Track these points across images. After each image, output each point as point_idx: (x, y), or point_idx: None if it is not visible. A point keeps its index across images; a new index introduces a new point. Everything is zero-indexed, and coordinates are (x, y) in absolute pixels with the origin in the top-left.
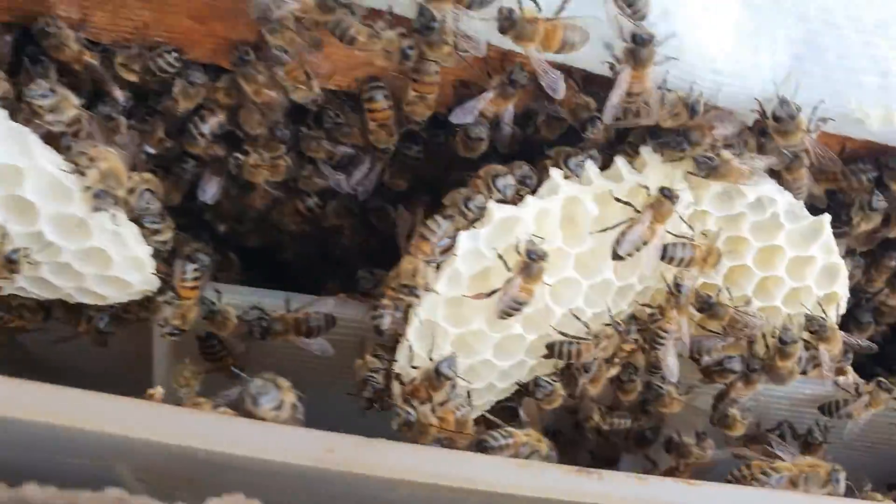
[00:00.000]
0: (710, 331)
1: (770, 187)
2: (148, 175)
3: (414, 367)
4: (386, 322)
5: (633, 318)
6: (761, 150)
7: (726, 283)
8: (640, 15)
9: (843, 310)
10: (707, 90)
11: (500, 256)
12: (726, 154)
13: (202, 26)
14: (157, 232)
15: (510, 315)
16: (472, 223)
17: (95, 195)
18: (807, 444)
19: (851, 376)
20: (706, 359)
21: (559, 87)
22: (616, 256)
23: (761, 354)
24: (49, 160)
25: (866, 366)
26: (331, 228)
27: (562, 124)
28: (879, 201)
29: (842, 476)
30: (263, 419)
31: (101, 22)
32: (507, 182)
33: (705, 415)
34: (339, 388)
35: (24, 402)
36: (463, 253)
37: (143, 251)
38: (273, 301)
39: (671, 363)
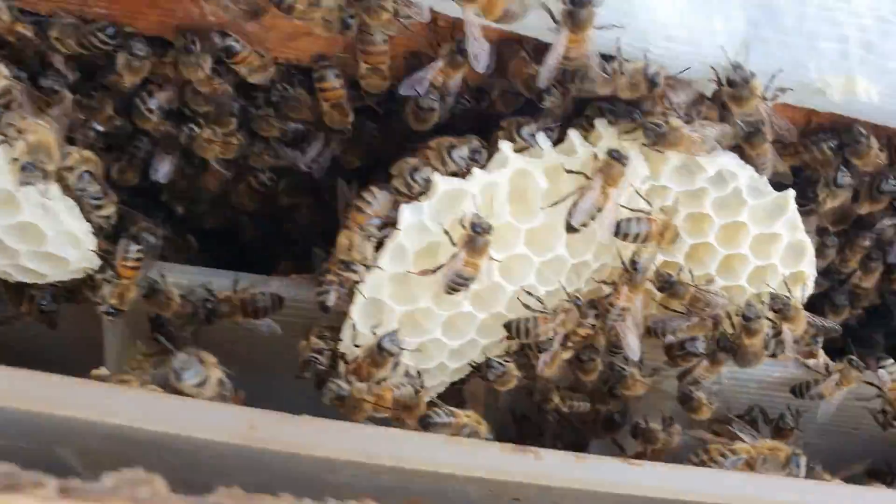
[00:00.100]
0: (674, 311)
1: (730, 160)
2: (88, 153)
3: (357, 346)
4: (331, 299)
5: (591, 303)
6: (723, 121)
7: (689, 262)
8: None
9: (810, 289)
10: (660, 58)
11: (447, 231)
12: (675, 121)
13: None
14: (98, 207)
15: (456, 290)
16: (417, 196)
17: (23, 168)
18: (778, 429)
19: (822, 358)
20: (669, 338)
21: (482, 59)
22: (570, 228)
23: (728, 334)
24: None
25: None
26: (287, 208)
27: (517, 98)
28: (844, 177)
29: (802, 460)
30: (189, 395)
31: None
32: (463, 153)
33: (673, 399)
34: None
35: None
36: (406, 227)
37: (79, 227)
38: (221, 281)
39: (632, 341)
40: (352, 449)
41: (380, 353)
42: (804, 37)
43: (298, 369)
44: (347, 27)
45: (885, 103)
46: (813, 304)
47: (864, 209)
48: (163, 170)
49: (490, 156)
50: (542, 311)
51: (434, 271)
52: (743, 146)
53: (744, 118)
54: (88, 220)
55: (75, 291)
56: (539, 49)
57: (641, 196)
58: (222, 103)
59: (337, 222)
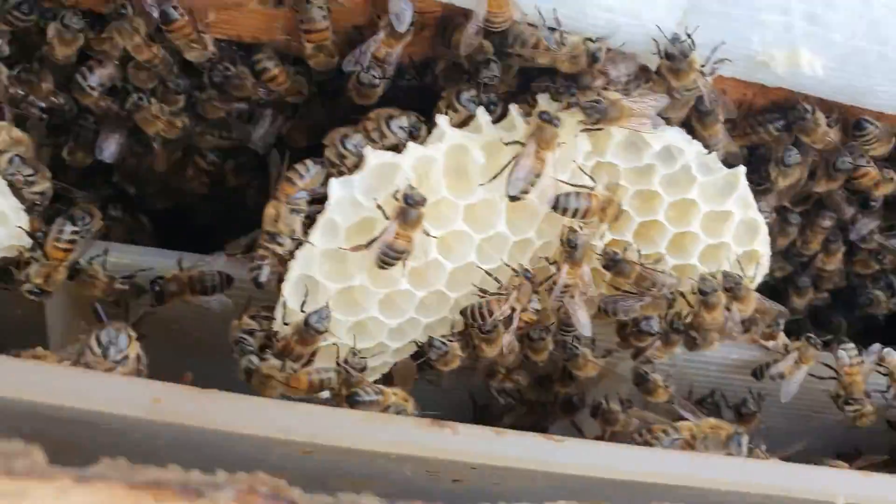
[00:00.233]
0: (626, 291)
1: (676, 136)
2: (18, 133)
3: (287, 324)
4: (263, 275)
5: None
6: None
7: (638, 240)
8: None
9: (764, 268)
10: (600, 30)
11: (380, 207)
12: (612, 94)
13: None
14: (30, 184)
15: (388, 264)
16: (350, 169)
17: None
18: (740, 414)
19: (781, 340)
20: (621, 317)
21: (405, 18)
22: (512, 198)
23: (683, 315)
24: None
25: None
26: (236, 189)
27: (461, 74)
28: (792, 156)
29: (744, 439)
30: (108, 369)
31: None
32: (402, 124)
33: (629, 383)
34: None
35: None
36: (336, 201)
37: (8, 204)
38: (164, 261)
39: (582, 317)
40: (259, 424)
41: (307, 331)
42: (747, 8)
43: (230, 349)
44: (280, 1)
45: (830, 77)
46: (776, 288)
47: (821, 187)
48: (108, 149)
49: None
50: (494, 293)
51: (366, 246)
52: (695, 125)
53: (682, 90)
54: (21, 197)
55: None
56: None
57: (585, 172)
58: (168, 80)
59: None
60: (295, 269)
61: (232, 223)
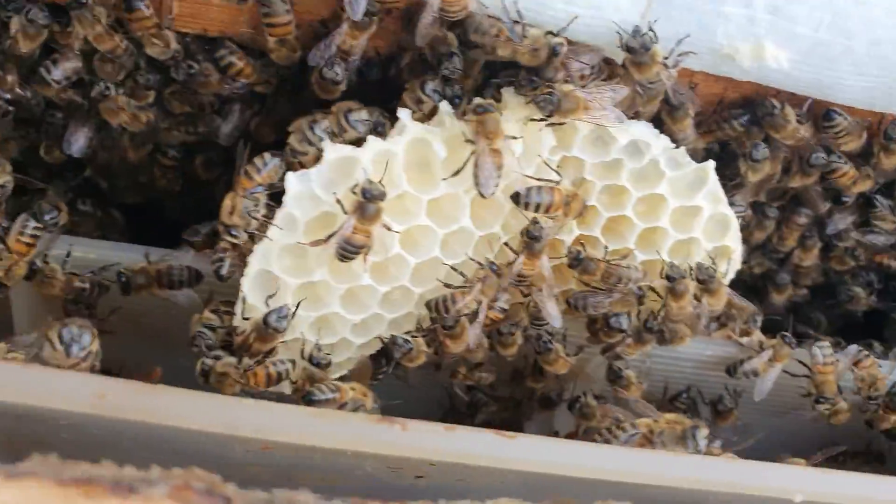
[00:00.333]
0: (596, 287)
1: (643, 130)
2: None
3: (247, 319)
4: (225, 268)
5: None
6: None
7: (607, 235)
8: None
9: (736, 264)
10: (562, 22)
11: (339, 201)
12: (566, 86)
13: None
14: None
15: (346, 258)
16: (313, 159)
17: None
18: (717, 411)
19: (756, 336)
20: (591, 313)
21: (358, 7)
22: (484, 195)
23: (658, 311)
24: None
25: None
26: (206, 183)
27: (425, 68)
28: (760, 151)
29: (700, 433)
30: (72, 365)
31: None
32: (361, 117)
33: (601, 380)
34: None
35: None
36: (294, 195)
37: None
38: (131, 255)
39: (551, 309)
40: (204, 419)
41: (266, 330)
42: (710, 0)
43: (189, 343)
44: None
45: (796, 70)
46: (755, 284)
47: (795, 183)
48: (77, 144)
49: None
50: (459, 286)
51: (325, 241)
52: (665, 119)
53: (645, 83)
54: None
55: None
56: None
57: (550, 166)
58: (138, 75)
59: None
60: (254, 264)
61: (203, 218)
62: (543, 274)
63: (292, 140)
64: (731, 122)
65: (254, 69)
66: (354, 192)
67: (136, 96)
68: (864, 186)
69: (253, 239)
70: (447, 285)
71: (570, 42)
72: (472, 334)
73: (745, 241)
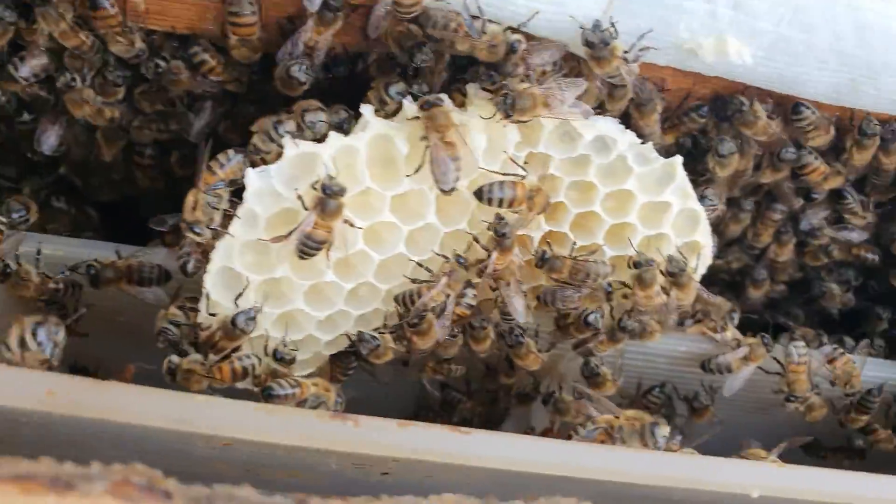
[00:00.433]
0: (565, 282)
1: (608, 125)
2: None
3: (213, 315)
4: (191, 264)
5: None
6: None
7: (576, 231)
8: None
9: (707, 259)
10: (523, 17)
11: (300, 197)
12: (520, 85)
13: None
14: None
15: (308, 254)
16: (276, 157)
17: None
18: (693, 409)
19: (731, 333)
20: (559, 307)
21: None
22: (447, 192)
23: (627, 305)
24: None
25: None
26: (182, 180)
27: (392, 65)
28: (726, 146)
29: (659, 430)
30: (42, 361)
31: None
32: (318, 118)
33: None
34: None
35: None
36: (254, 191)
37: None
38: (101, 253)
39: (518, 305)
40: (155, 415)
41: (234, 330)
42: None
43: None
44: None
45: (760, 65)
46: (733, 279)
47: (766, 178)
48: (48, 142)
49: None
50: (425, 280)
51: (286, 237)
52: (633, 114)
53: (606, 77)
54: None
55: None
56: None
57: (516, 162)
58: (107, 71)
59: None
60: (216, 261)
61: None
62: (514, 269)
63: (256, 139)
64: (690, 115)
65: (225, 67)
66: (315, 188)
67: (106, 93)
68: (835, 183)
69: (215, 235)
70: (413, 281)
71: (531, 38)
72: (440, 330)
73: (721, 235)
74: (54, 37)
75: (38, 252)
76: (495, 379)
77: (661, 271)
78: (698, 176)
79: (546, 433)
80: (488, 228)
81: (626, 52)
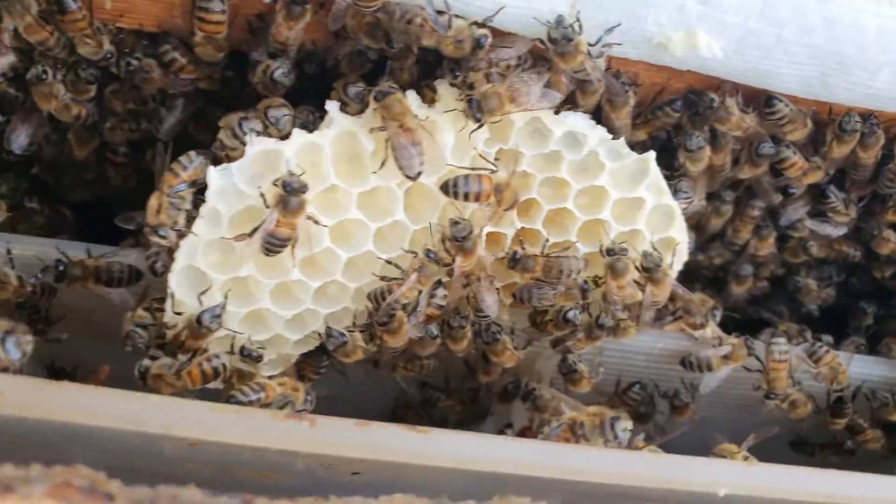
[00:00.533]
0: (540, 280)
1: (578, 121)
2: None
3: (179, 314)
4: (160, 263)
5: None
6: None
7: (550, 228)
8: None
9: (683, 256)
10: (489, 12)
11: (262, 195)
12: (484, 87)
13: None
14: None
15: (272, 252)
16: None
17: None
18: (674, 406)
19: (711, 330)
20: (535, 304)
21: None
22: (413, 177)
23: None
24: None
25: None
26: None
27: (363, 61)
28: (695, 141)
29: (619, 425)
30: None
31: None
32: (281, 113)
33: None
34: None
35: None
36: (216, 190)
37: None
38: (72, 253)
39: (488, 300)
40: (107, 415)
41: (199, 328)
42: None
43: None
44: None
45: (732, 59)
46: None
47: (744, 174)
48: (17, 141)
49: None
50: (395, 277)
51: (249, 235)
52: (605, 107)
53: (571, 72)
54: None
55: None
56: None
57: (486, 158)
58: (79, 69)
59: None
60: (180, 260)
61: None
62: (485, 265)
63: (222, 135)
64: (663, 109)
65: (197, 65)
66: (276, 185)
67: (77, 90)
68: (815, 178)
69: (181, 236)
70: (382, 278)
71: (497, 33)
72: (411, 329)
73: (703, 230)
74: (20, 32)
75: (9, 252)
76: (475, 377)
77: (637, 267)
78: (674, 171)
79: (525, 431)
80: (444, 236)
81: (591, 45)
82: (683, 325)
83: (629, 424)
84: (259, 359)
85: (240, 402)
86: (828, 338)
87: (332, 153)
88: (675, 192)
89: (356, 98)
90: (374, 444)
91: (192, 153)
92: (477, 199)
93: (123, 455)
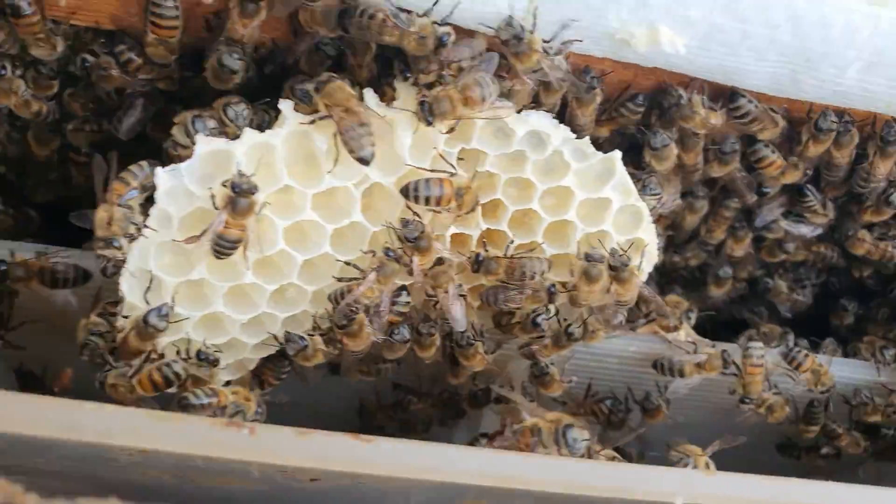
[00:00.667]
0: (506, 283)
1: (540, 120)
2: None
3: (125, 317)
4: (110, 265)
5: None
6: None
7: (516, 229)
8: None
9: (652, 257)
10: (446, 7)
11: (213, 196)
12: (435, 90)
13: None
14: None
15: (223, 255)
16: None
17: None
18: (645, 409)
19: (685, 334)
20: (502, 307)
21: None
22: (364, 161)
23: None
24: None
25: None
26: None
27: (322, 59)
28: (658, 139)
29: (572, 433)
30: None
31: None
32: (239, 110)
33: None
34: None
35: None
36: (166, 191)
37: None
38: (26, 253)
39: (456, 312)
40: (44, 425)
41: (146, 329)
42: None
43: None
44: None
45: (697, 56)
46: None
47: (715, 172)
48: None
49: None
50: (353, 277)
51: (199, 237)
52: (571, 104)
53: (527, 72)
54: None
55: None
56: None
57: (446, 159)
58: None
59: None
60: (131, 263)
61: None
62: (451, 275)
63: (175, 131)
64: (626, 105)
65: (154, 65)
66: (225, 186)
67: (39, 86)
68: (792, 177)
69: (132, 240)
70: (341, 279)
71: (459, 31)
72: (373, 331)
73: (679, 229)
74: None
75: None
76: (444, 380)
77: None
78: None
79: (496, 435)
80: (397, 237)
81: (546, 41)
82: (656, 327)
83: (584, 434)
84: (216, 362)
85: (191, 405)
86: (803, 342)
87: (285, 153)
88: (643, 188)
89: (303, 97)
90: (318, 454)
91: (144, 163)
92: (438, 203)
93: (80, 462)
